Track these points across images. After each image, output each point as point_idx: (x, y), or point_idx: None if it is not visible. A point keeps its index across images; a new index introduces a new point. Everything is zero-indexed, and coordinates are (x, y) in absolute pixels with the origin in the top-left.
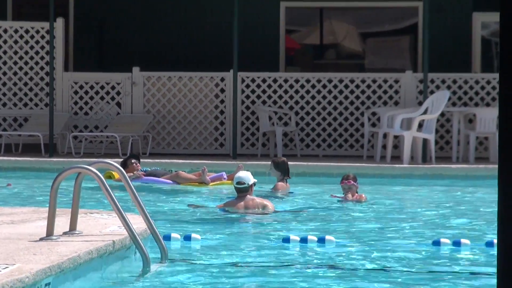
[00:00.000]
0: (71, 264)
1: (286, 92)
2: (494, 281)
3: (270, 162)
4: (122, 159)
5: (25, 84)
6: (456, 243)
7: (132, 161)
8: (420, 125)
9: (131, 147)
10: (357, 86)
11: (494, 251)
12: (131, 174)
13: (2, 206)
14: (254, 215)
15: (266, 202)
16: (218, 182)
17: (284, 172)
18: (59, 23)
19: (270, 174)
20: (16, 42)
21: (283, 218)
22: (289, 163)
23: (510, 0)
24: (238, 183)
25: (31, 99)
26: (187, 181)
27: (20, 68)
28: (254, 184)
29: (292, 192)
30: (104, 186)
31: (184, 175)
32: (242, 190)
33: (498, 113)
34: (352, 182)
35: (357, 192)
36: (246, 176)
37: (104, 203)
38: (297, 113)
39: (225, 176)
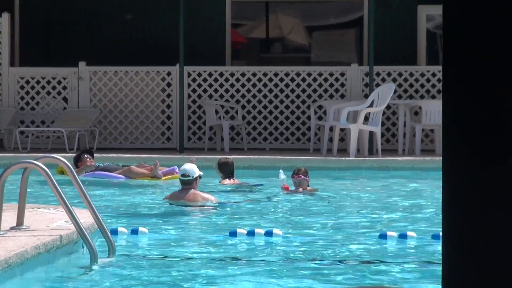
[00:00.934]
0: (18, 259)
1: (232, 86)
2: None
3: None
4: (74, 154)
5: None
6: (403, 236)
7: (86, 156)
8: (366, 118)
9: (78, 142)
10: (303, 80)
11: (440, 243)
12: (84, 168)
13: None
14: (202, 208)
15: (208, 196)
16: (170, 176)
17: (227, 174)
18: (5, 18)
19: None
20: None
21: (231, 211)
22: (236, 156)
23: None
24: (183, 175)
25: None
26: (139, 175)
27: None
28: (200, 177)
29: (260, 184)
30: (51, 181)
31: (136, 170)
32: (186, 183)
33: (442, 105)
34: (303, 176)
35: (308, 186)
36: (191, 168)
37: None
38: (243, 107)
39: (177, 170)
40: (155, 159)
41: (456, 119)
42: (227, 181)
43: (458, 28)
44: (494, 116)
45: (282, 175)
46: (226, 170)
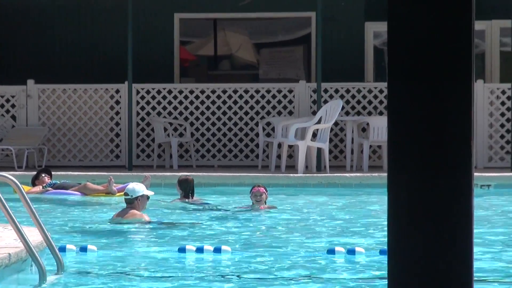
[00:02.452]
0: None
1: (181, 103)
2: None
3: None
4: (23, 172)
5: None
6: (351, 252)
7: (43, 175)
8: (314, 135)
9: (26, 159)
10: (252, 97)
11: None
12: (39, 188)
13: None
14: (150, 227)
15: (141, 215)
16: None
17: (187, 191)
18: None
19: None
20: None
21: (184, 228)
22: (185, 173)
23: (397, 10)
24: (124, 193)
25: None
26: (94, 191)
27: None
28: (148, 198)
29: (208, 203)
30: None
31: (91, 186)
32: (127, 202)
33: (387, 122)
34: (263, 188)
35: (265, 203)
36: (132, 188)
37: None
38: (192, 124)
39: None
40: (109, 176)
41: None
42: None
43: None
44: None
45: None
46: (186, 188)
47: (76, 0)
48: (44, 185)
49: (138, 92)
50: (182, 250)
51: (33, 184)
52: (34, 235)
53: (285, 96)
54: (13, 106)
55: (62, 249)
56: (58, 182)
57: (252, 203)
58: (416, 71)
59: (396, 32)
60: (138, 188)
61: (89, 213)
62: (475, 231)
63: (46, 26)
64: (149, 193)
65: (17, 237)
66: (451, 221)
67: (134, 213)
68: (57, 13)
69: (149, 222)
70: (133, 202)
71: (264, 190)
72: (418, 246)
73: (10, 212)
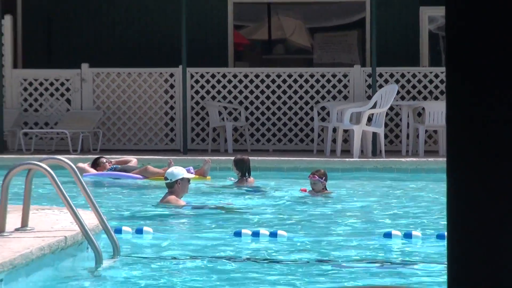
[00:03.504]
0: (23, 260)
1: (235, 87)
2: (445, 272)
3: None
4: (78, 156)
5: None
6: (407, 235)
7: (104, 160)
8: (370, 119)
9: (81, 143)
10: (306, 81)
11: (445, 243)
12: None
13: None
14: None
15: (176, 201)
16: None
17: (243, 171)
18: (7, 20)
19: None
20: None
21: (240, 212)
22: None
23: None
24: (164, 178)
25: None
26: (155, 175)
27: None
28: (188, 181)
29: (258, 187)
30: (55, 182)
31: (151, 170)
32: (167, 186)
33: (446, 106)
34: (317, 177)
35: (326, 189)
36: (171, 171)
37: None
38: (246, 108)
39: (192, 171)
40: (168, 159)
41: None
42: (240, 181)
43: (460, 29)
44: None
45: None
46: (243, 168)
47: None
48: (105, 171)
49: (192, 76)
50: (238, 234)
51: (94, 166)
52: (90, 218)
53: (340, 81)
54: (67, 89)
55: (118, 231)
56: (119, 166)
57: (311, 187)
58: (474, 55)
59: (454, 15)
60: (177, 171)
61: (148, 196)
62: None
63: (100, 10)
64: (189, 176)
65: (73, 220)
66: (510, 203)
67: (169, 199)
68: None
69: (207, 207)
70: (173, 186)
71: (318, 178)
72: (478, 231)
73: (66, 195)
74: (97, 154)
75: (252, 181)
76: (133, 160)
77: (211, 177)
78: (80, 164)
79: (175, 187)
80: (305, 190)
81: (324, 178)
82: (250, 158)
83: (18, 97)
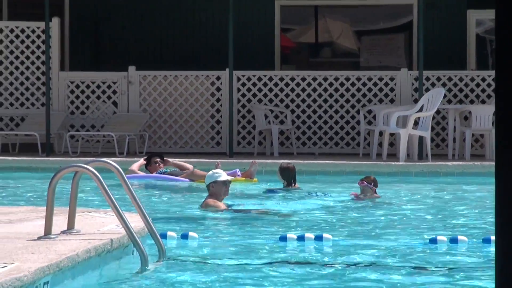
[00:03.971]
0: (70, 263)
1: (281, 90)
2: (491, 277)
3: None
4: (124, 158)
5: (22, 83)
6: (453, 240)
7: (156, 160)
8: (416, 123)
9: (127, 146)
10: (353, 84)
11: (491, 247)
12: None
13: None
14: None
15: (214, 203)
16: (233, 178)
17: (289, 180)
18: (55, 22)
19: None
20: (12, 41)
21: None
22: (285, 161)
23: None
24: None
25: (27, 99)
26: (201, 178)
27: (16, 68)
28: (225, 183)
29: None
30: (101, 185)
31: (198, 173)
32: (207, 189)
33: (495, 110)
34: (366, 183)
35: (376, 194)
36: (208, 174)
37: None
38: (293, 111)
39: (239, 173)
40: (216, 161)
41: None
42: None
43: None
44: None
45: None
46: (288, 176)
47: None
48: (155, 172)
49: (239, 79)
50: (283, 238)
51: (146, 169)
52: (135, 221)
53: (386, 84)
54: (114, 92)
55: (163, 236)
56: (169, 170)
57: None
58: None
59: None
60: (212, 174)
61: (194, 199)
62: None
63: (147, 13)
64: (225, 178)
65: (119, 223)
66: None
67: (206, 202)
68: (159, 1)
69: (250, 211)
70: (209, 189)
71: (367, 184)
72: None
73: (112, 198)
74: (143, 157)
75: (297, 187)
76: (190, 167)
77: (257, 179)
78: (133, 167)
79: (210, 190)
80: (355, 194)
81: (373, 184)
82: (296, 161)
83: (65, 99)
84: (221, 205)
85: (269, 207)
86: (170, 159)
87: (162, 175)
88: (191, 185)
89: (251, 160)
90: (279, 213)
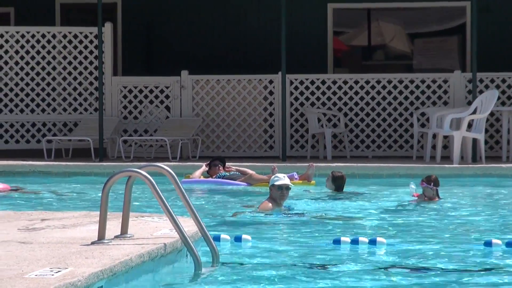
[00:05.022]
0: (123, 268)
1: (334, 93)
2: None
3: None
4: (177, 163)
5: (75, 89)
6: (509, 244)
7: (217, 164)
8: (470, 125)
9: (180, 150)
10: (406, 87)
11: None
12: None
13: (53, 211)
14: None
15: (263, 206)
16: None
17: (338, 187)
18: (107, 28)
19: (326, 185)
20: (65, 47)
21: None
22: (339, 164)
23: None
24: None
25: (80, 104)
26: (259, 181)
27: (69, 73)
28: (280, 188)
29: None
30: (154, 190)
31: (256, 176)
32: None
33: None
34: (425, 184)
35: (438, 196)
36: (272, 178)
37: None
38: (346, 115)
39: (296, 176)
40: (273, 165)
41: None
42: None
43: None
44: None
45: (412, 186)
46: (341, 184)
47: None
48: (214, 176)
49: (291, 83)
50: (336, 241)
51: (207, 172)
52: (189, 226)
53: (440, 86)
54: (167, 97)
55: (216, 239)
56: (228, 174)
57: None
58: None
59: None
60: (273, 177)
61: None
62: None
63: (200, 17)
64: (279, 183)
65: (173, 227)
66: None
67: (261, 205)
68: (212, 4)
69: (302, 214)
70: (269, 192)
71: (426, 185)
72: None
73: (166, 202)
74: (197, 162)
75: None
76: (250, 172)
77: (315, 181)
78: (195, 174)
79: (270, 193)
80: (417, 195)
81: (433, 184)
82: (349, 164)
83: (118, 104)
84: (269, 207)
85: (324, 210)
86: (232, 166)
87: (219, 179)
88: (247, 189)
89: (307, 164)
90: (333, 216)
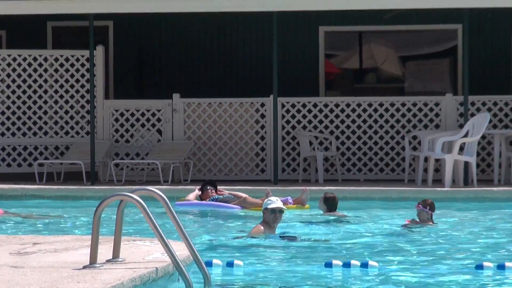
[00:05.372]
0: None
1: (326, 116)
2: None
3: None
4: (168, 187)
5: (66, 112)
6: (500, 267)
7: (208, 187)
8: (461, 148)
9: (172, 174)
10: (398, 110)
11: None
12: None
13: (45, 235)
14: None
15: (255, 230)
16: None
17: (332, 208)
18: (99, 50)
19: (318, 206)
20: (56, 70)
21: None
22: (331, 188)
23: None
24: None
25: (72, 127)
26: (253, 205)
27: (61, 97)
28: (273, 211)
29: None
30: (146, 213)
31: (250, 200)
32: None
33: None
34: (421, 207)
35: (432, 221)
36: (265, 201)
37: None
38: (337, 138)
39: (290, 200)
40: (267, 190)
41: None
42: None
43: None
44: None
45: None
46: (332, 205)
47: (220, 16)
48: (208, 199)
49: (283, 106)
50: (328, 265)
51: (200, 197)
52: (180, 249)
53: (431, 109)
54: (158, 120)
55: (209, 264)
56: (222, 197)
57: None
58: None
59: None
60: (266, 201)
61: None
62: None
63: (190, 41)
64: (272, 206)
65: (164, 251)
66: None
67: (255, 230)
68: (202, 28)
69: (295, 238)
70: (262, 216)
71: (422, 208)
72: None
73: (157, 226)
74: (188, 185)
75: (340, 214)
76: (243, 195)
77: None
78: (189, 197)
79: (263, 216)
80: (409, 222)
81: (429, 208)
82: (341, 188)
83: (109, 128)
84: (261, 230)
85: (316, 234)
86: (225, 190)
87: (213, 202)
88: (240, 213)
89: (300, 187)
90: (324, 240)
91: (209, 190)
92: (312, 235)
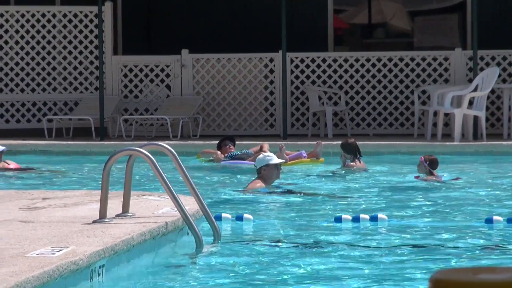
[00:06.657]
0: (125, 246)
1: (335, 71)
2: None
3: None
4: (177, 142)
5: (75, 68)
6: (510, 220)
7: (227, 143)
8: (471, 103)
9: (181, 129)
10: (407, 65)
11: None
12: (221, 156)
13: (55, 190)
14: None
15: (251, 186)
16: (298, 160)
17: (354, 154)
18: (107, 6)
19: (341, 159)
20: (65, 26)
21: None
22: (340, 142)
23: None
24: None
25: (81, 83)
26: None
27: (70, 53)
28: (275, 166)
29: (366, 171)
30: (155, 168)
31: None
32: (257, 172)
33: None
34: (422, 159)
35: (432, 174)
36: (259, 158)
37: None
38: (346, 93)
39: (304, 154)
40: (281, 143)
41: None
42: (351, 164)
43: None
44: None
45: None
46: (353, 150)
47: None
48: (226, 155)
49: (292, 61)
50: (338, 219)
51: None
52: (190, 204)
53: (440, 64)
54: (167, 76)
55: (218, 218)
56: (239, 153)
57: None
58: None
59: None
60: (263, 158)
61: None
62: None
63: None
64: (276, 161)
65: (174, 206)
66: None
67: (252, 185)
68: None
69: (307, 194)
70: (260, 172)
71: (423, 161)
72: None
73: (167, 181)
74: (197, 140)
75: (363, 165)
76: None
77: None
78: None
79: (262, 173)
80: (417, 177)
81: (428, 163)
82: None
83: (118, 83)
84: (258, 186)
85: (325, 188)
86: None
87: (232, 160)
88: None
89: (315, 141)
90: (333, 194)
91: (228, 146)
92: (308, 189)
